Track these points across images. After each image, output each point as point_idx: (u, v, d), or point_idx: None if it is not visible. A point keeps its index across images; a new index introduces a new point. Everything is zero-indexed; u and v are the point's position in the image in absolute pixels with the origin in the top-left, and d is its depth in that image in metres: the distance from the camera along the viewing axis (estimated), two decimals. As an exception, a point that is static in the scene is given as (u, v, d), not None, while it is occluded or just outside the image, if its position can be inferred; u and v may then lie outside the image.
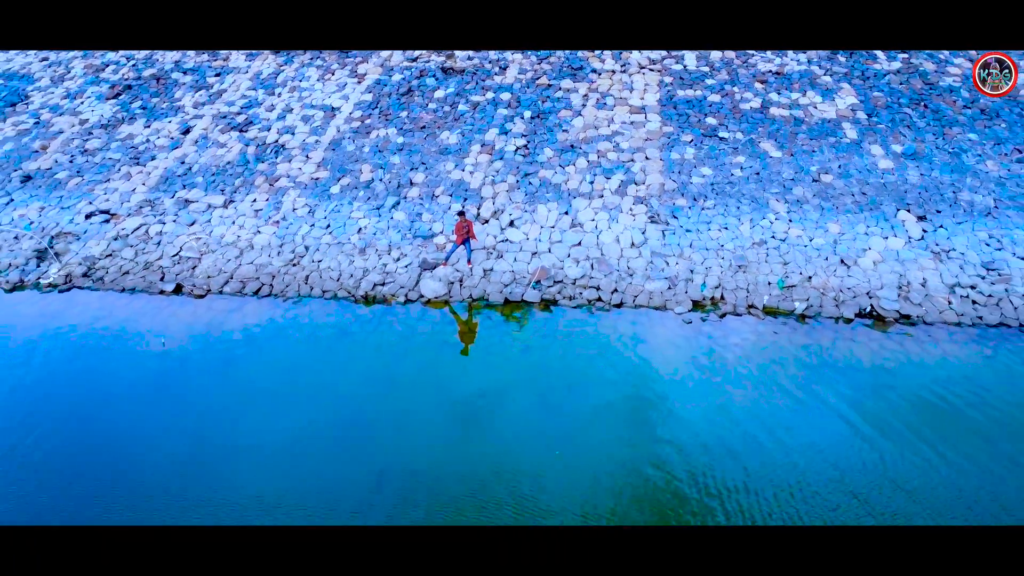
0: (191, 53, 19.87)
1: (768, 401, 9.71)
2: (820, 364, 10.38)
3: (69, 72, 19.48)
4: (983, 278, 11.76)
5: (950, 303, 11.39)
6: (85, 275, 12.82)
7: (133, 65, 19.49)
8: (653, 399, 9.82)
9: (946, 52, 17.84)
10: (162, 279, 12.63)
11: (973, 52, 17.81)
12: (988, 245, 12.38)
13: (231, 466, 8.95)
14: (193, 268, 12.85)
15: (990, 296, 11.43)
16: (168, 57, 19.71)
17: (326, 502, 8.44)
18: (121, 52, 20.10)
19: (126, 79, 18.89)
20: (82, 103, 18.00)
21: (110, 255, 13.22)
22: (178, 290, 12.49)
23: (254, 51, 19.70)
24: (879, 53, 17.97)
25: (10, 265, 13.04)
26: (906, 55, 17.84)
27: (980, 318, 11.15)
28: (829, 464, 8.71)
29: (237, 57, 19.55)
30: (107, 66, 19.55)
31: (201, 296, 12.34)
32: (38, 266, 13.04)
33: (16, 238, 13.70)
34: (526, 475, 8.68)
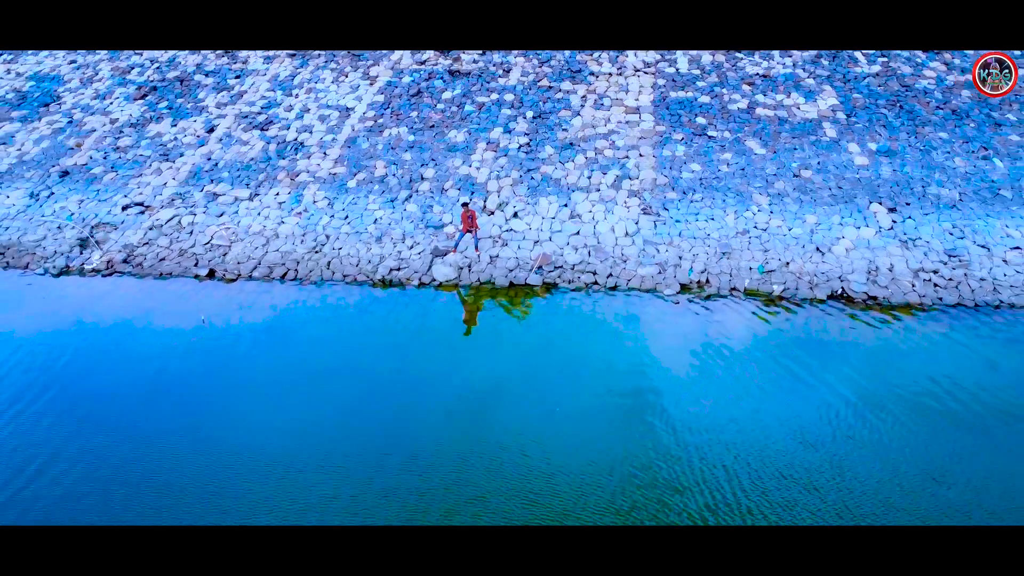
0: (211, 56, 21.05)
1: (742, 368, 10.86)
2: (792, 339, 11.54)
3: (97, 74, 20.65)
4: (945, 264, 12.93)
5: (913, 286, 12.56)
6: (125, 261, 14.00)
7: (157, 67, 20.66)
8: (643, 367, 10.98)
9: (923, 55, 19.00)
10: (196, 265, 13.82)
11: (948, 55, 18.98)
12: (951, 234, 13.55)
13: (277, 435, 10.11)
14: (224, 255, 14.03)
15: (950, 279, 12.61)
16: (190, 60, 20.88)
17: (363, 456, 9.58)
18: (145, 55, 21.28)
19: (151, 81, 20.06)
20: (111, 103, 19.17)
21: (147, 243, 14.40)
22: (211, 275, 13.68)
23: (271, 54, 20.88)
24: (860, 56, 19.13)
25: (56, 252, 14.22)
26: (885, 58, 19.00)
27: (940, 299, 12.33)
28: (789, 415, 9.86)
29: (255, 60, 20.72)
30: (132, 68, 20.72)
31: (232, 280, 13.53)
32: (81, 253, 14.23)
33: (60, 228, 14.87)
34: (531, 426, 9.83)
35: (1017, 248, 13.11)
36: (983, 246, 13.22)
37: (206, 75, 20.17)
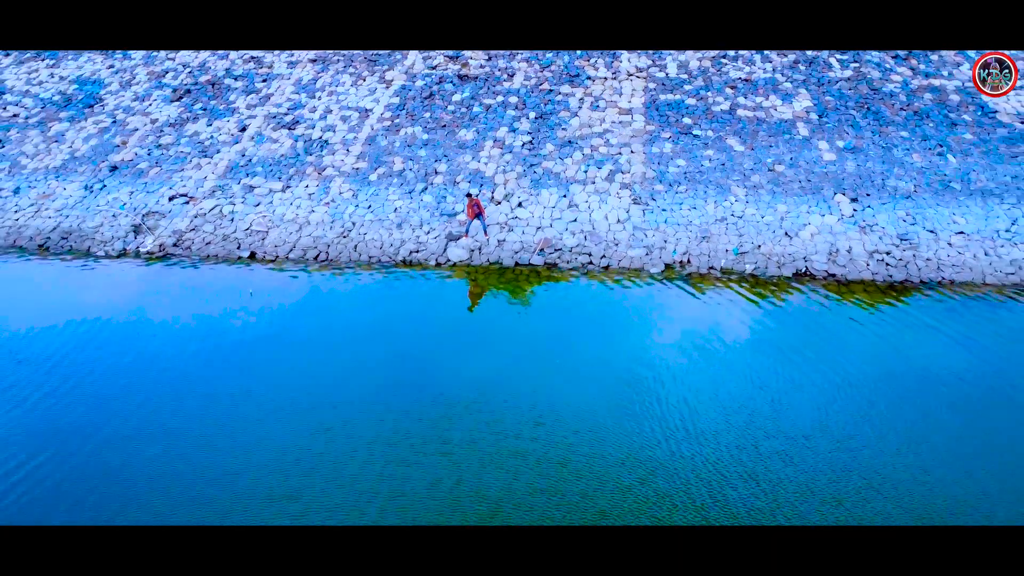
0: (238, 61, 22.86)
1: (712, 330, 12.67)
2: (760, 308, 13.35)
3: (134, 78, 22.48)
4: (897, 246, 14.76)
5: (868, 265, 14.39)
6: (175, 245, 15.84)
7: (189, 72, 22.49)
8: (630, 329, 12.80)
9: (892, 62, 20.81)
10: (238, 248, 15.65)
11: (914, 61, 20.79)
12: (904, 221, 15.37)
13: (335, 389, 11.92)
14: (263, 239, 15.86)
15: (900, 259, 14.43)
16: (219, 65, 22.70)
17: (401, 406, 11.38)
18: (177, 60, 23.10)
19: (185, 84, 21.90)
20: (150, 105, 21.00)
21: (193, 229, 16.23)
22: (252, 257, 15.51)
23: (294, 59, 22.70)
24: (834, 62, 20.94)
25: (113, 237, 16.05)
26: (857, 63, 20.80)
27: (890, 276, 14.15)
28: (746, 370, 11.67)
29: (279, 65, 22.54)
30: (167, 72, 22.55)
31: (271, 261, 15.37)
32: (135, 238, 16.06)
33: (114, 216, 16.71)
34: (540, 370, 11.64)
35: (961, 233, 14.93)
36: (931, 231, 15.05)
37: (235, 79, 22.00)
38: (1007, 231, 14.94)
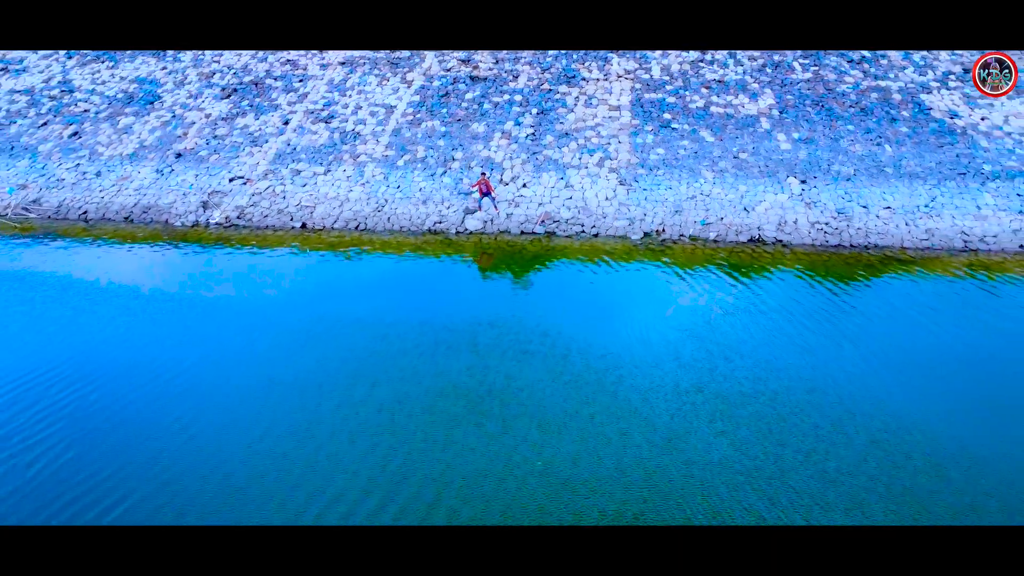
0: (276, 64, 26.05)
1: (680, 279, 15.85)
2: (718, 265, 16.54)
3: (186, 78, 25.68)
4: (835, 218, 17.96)
5: (809, 233, 17.60)
6: (238, 217, 19.05)
7: (234, 73, 25.69)
8: (616, 278, 15.99)
9: (847, 65, 24.00)
10: (291, 220, 18.85)
11: (866, 65, 23.98)
12: (842, 198, 18.57)
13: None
14: (311, 213, 19.07)
15: (836, 228, 17.64)
16: (260, 67, 25.89)
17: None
18: (223, 63, 26.30)
19: (232, 84, 25.10)
20: (203, 102, 24.21)
21: (252, 205, 19.44)
22: (303, 227, 18.72)
23: (325, 62, 25.89)
24: (796, 66, 24.14)
25: (185, 211, 19.25)
26: (817, 67, 24.00)
27: (827, 241, 17.36)
28: (703, 317, 14.83)
29: (312, 67, 25.73)
30: (215, 73, 25.75)
31: (320, 230, 18.58)
32: (204, 212, 19.25)
33: (184, 194, 19.91)
34: (541, 308, 14.81)
35: (888, 208, 18.14)
36: (864, 206, 18.26)
37: (275, 79, 25.20)
38: (926, 206, 18.15)
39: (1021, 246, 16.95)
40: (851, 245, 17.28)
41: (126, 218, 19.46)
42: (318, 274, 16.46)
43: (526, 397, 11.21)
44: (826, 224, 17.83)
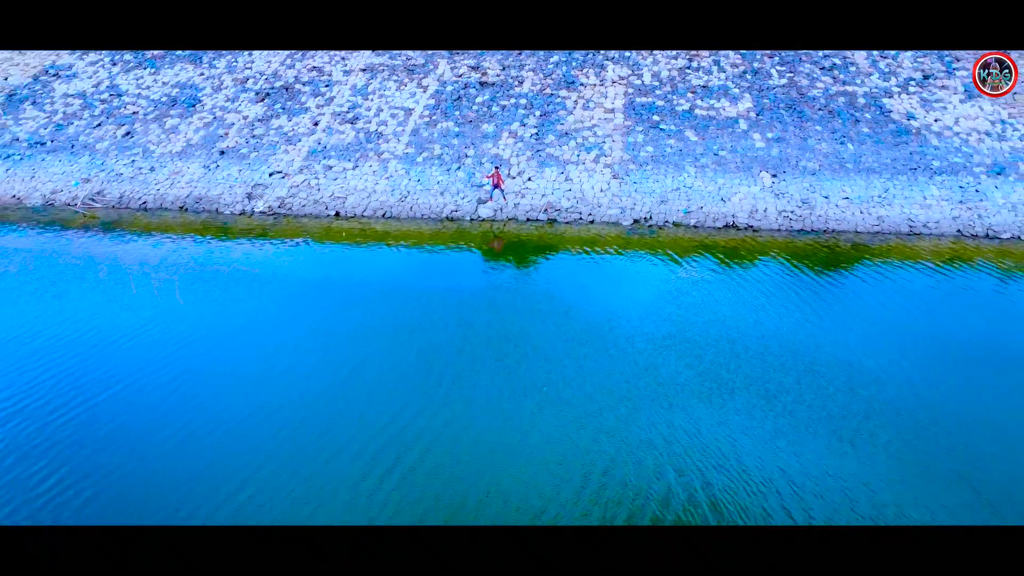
0: (303, 70, 28.75)
1: (662, 257, 18.55)
2: (697, 250, 19.25)
3: (223, 83, 28.39)
4: (799, 207, 20.67)
5: (776, 220, 20.31)
6: (279, 207, 21.77)
7: (266, 79, 28.39)
8: (608, 256, 18.69)
9: (819, 72, 26.69)
10: (326, 209, 21.58)
11: (836, 72, 26.67)
12: (807, 190, 21.28)
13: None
14: (343, 203, 21.79)
15: (800, 216, 20.35)
16: (288, 73, 28.60)
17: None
18: (255, 69, 29.01)
19: (264, 88, 27.81)
20: (240, 105, 26.92)
21: (291, 196, 22.17)
22: (337, 215, 21.44)
23: (348, 68, 28.59)
24: (774, 72, 26.83)
25: (233, 201, 21.97)
26: (792, 74, 26.70)
27: (792, 227, 20.07)
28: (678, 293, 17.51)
29: (336, 73, 28.44)
30: (248, 79, 28.46)
31: (351, 218, 21.28)
32: (249, 202, 21.97)
33: (230, 187, 22.63)
34: (546, 278, 17.50)
35: (846, 198, 20.85)
36: (825, 197, 20.97)
37: (303, 84, 27.92)
38: (879, 197, 20.87)
39: (958, 231, 19.67)
40: (812, 230, 19.99)
41: (180, 208, 22.20)
42: (359, 253, 19.19)
43: (535, 341, 13.92)
44: (792, 212, 20.54)
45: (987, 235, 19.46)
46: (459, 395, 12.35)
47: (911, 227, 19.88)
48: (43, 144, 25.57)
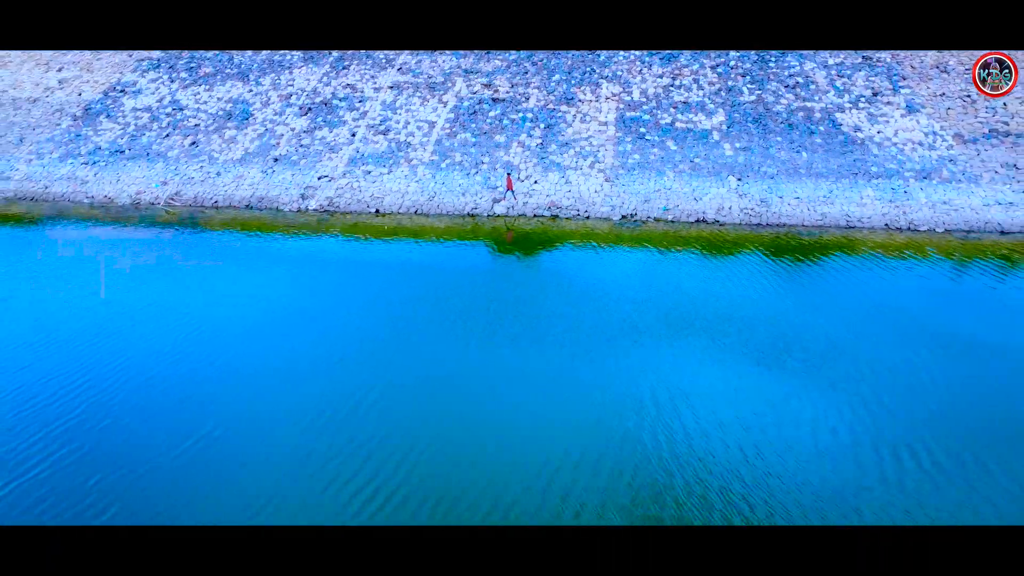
0: (339, 88, 33.19)
1: (644, 245, 22.96)
2: (673, 240, 23.67)
3: (269, 100, 32.86)
4: (758, 206, 25.11)
5: (739, 216, 24.75)
6: (329, 205, 26.24)
7: (307, 95, 32.87)
8: (600, 244, 23.12)
9: (784, 90, 31.11)
10: (368, 207, 26.05)
11: (799, 90, 31.08)
12: (766, 191, 25.71)
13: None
14: (382, 202, 26.26)
15: (758, 213, 24.80)
16: (326, 90, 33.06)
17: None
18: (296, 86, 33.47)
19: (306, 104, 32.28)
20: (287, 118, 31.40)
21: (338, 196, 26.64)
22: (377, 212, 25.91)
23: (377, 86, 33.04)
24: (745, 90, 31.25)
25: (289, 200, 26.45)
26: (760, 91, 31.11)
27: (751, 221, 24.51)
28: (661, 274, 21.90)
29: (368, 90, 32.90)
30: (291, 95, 32.93)
31: (388, 214, 25.76)
32: (303, 201, 26.45)
33: (286, 188, 27.11)
34: (550, 261, 21.91)
35: (797, 198, 25.29)
36: (780, 197, 25.41)
37: (340, 100, 32.39)
38: (824, 196, 25.31)
39: (886, 225, 24.11)
40: (767, 224, 24.44)
41: (246, 206, 26.69)
42: (398, 243, 23.69)
43: (542, 304, 18.41)
44: (752, 209, 25.00)
45: (909, 228, 23.90)
46: (477, 336, 16.88)
47: (848, 222, 24.32)
48: (122, 152, 30.07)
